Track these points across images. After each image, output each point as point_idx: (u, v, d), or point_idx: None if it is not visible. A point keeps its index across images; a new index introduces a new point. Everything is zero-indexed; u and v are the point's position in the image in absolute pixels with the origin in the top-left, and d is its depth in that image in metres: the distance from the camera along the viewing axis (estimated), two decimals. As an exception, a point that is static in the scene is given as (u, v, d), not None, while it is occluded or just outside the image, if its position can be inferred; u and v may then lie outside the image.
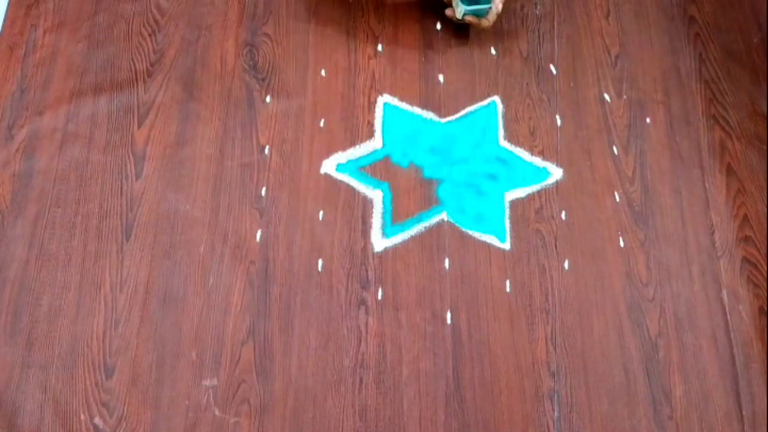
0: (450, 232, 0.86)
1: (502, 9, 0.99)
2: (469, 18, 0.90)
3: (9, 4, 0.98)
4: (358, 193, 0.88)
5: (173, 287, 0.82)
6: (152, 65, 0.94)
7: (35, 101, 0.91)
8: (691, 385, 0.80)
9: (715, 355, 0.82)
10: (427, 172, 0.90)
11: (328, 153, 0.90)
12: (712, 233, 0.89)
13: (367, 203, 0.87)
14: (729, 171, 0.92)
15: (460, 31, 0.98)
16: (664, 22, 1.02)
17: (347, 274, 0.83)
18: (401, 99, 0.94)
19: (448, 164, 0.90)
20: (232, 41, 0.96)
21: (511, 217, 0.88)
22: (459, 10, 0.89)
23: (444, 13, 0.94)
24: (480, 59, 0.97)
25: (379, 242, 0.85)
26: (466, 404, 0.78)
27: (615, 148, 0.93)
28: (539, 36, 0.99)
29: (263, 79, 0.94)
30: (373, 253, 0.85)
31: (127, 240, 0.84)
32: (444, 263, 0.85)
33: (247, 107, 0.92)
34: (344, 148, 0.90)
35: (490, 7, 0.88)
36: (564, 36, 1.00)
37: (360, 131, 0.91)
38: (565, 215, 0.88)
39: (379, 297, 0.82)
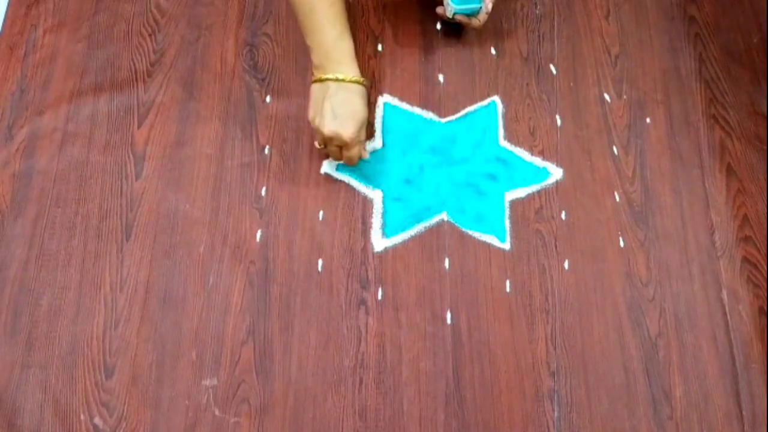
0: (450, 232, 0.86)
1: (501, 9, 0.99)
2: (459, 17, 0.90)
3: (9, 4, 0.98)
4: (358, 193, 0.88)
5: (173, 287, 0.82)
6: (152, 65, 0.94)
7: (35, 101, 0.91)
8: (691, 385, 0.80)
9: (715, 355, 0.82)
10: (427, 172, 0.90)
11: (328, 153, 0.90)
12: (712, 233, 0.89)
13: (367, 203, 0.87)
14: (729, 171, 0.92)
15: (460, 31, 0.98)
16: (664, 22, 1.02)
17: (347, 274, 0.83)
18: (401, 99, 0.94)
19: (448, 164, 0.90)
20: (232, 41, 0.96)
21: (511, 217, 0.88)
22: (449, 9, 0.89)
23: (437, 11, 0.94)
24: (480, 59, 0.97)
25: (379, 242, 0.85)
26: (466, 404, 0.78)
27: (615, 148, 0.93)
28: (539, 36, 0.99)
29: (263, 79, 0.94)
30: (373, 253, 0.85)
31: (127, 240, 0.84)
32: (444, 263, 0.85)
33: (247, 107, 0.92)
34: (344, 148, 0.90)
35: (481, 7, 0.88)
36: (564, 36, 1.00)
37: (360, 131, 0.91)
38: (565, 215, 0.88)
39: (379, 297, 0.82)
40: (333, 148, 0.81)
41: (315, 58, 0.79)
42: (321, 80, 0.78)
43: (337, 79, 0.78)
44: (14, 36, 0.96)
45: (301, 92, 0.93)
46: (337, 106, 0.77)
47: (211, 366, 0.78)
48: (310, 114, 0.80)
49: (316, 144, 0.83)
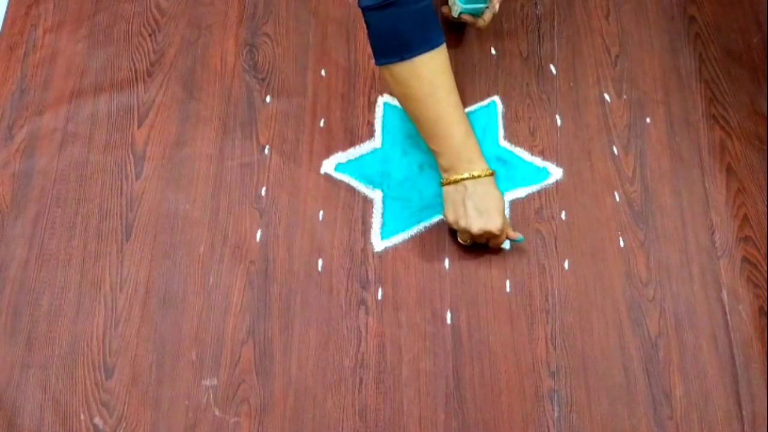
0: (450, 231, 0.86)
1: (502, 9, 0.99)
2: (465, 17, 0.90)
3: (9, 4, 0.98)
4: (358, 193, 0.88)
5: (173, 287, 0.82)
6: (152, 65, 0.94)
7: (35, 101, 0.91)
8: (691, 385, 0.80)
9: (715, 355, 0.82)
10: (427, 172, 0.90)
11: (328, 153, 0.90)
12: (712, 233, 0.89)
13: (367, 203, 0.87)
14: (729, 171, 0.92)
15: (459, 30, 0.98)
16: (664, 22, 1.02)
17: (347, 274, 0.83)
18: (401, 99, 0.93)
19: (448, 164, 0.90)
20: (232, 41, 0.96)
21: (511, 217, 0.88)
22: (455, 9, 0.89)
23: (442, 11, 0.94)
24: (480, 59, 0.97)
25: (379, 242, 0.85)
26: (466, 404, 0.78)
27: (615, 148, 0.93)
28: (539, 36, 0.99)
29: (263, 79, 0.94)
30: (373, 253, 0.85)
31: (127, 240, 0.84)
32: (444, 263, 0.85)
33: (247, 107, 0.92)
34: (344, 148, 0.90)
35: (487, 7, 0.88)
36: (564, 36, 1.00)
37: (360, 131, 0.91)
38: (565, 215, 0.88)
39: (379, 297, 0.82)
40: (480, 240, 0.81)
41: (445, 162, 0.79)
42: (456, 182, 0.78)
43: (472, 177, 0.77)
44: (14, 36, 0.96)
45: (301, 92, 0.93)
46: (479, 203, 0.77)
47: (211, 366, 0.78)
48: (451, 217, 0.80)
49: (461, 241, 0.83)
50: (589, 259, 0.86)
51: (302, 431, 0.76)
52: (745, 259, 0.87)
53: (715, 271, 0.86)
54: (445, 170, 0.79)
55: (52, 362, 0.78)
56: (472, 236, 0.80)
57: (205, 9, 0.98)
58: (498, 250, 0.85)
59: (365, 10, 0.73)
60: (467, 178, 0.77)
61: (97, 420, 0.75)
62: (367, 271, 0.84)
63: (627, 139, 0.93)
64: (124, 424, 0.75)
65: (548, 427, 0.77)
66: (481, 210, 0.77)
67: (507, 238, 0.82)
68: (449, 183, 0.79)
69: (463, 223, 0.78)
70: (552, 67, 0.97)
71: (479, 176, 0.77)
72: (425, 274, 0.84)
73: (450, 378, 0.79)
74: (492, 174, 0.79)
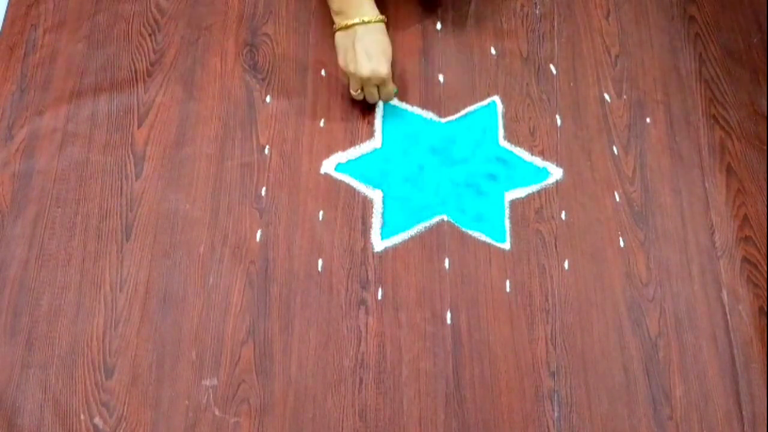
0: (450, 232, 0.86)
1: (502, 9, 0.99)
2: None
3: (9, 4, 0.98)
4: (358, 193, 0.88)
5: (173, 287, 0.82)
6: (152, 65, 0.94)
7: (35, 101, 0.91)
8: (691, 385, 0.80)
9: (715, 355, 0.82)
10: (427, 172, 0.90)
11: (328, 153, 0.90)
12: (712, 233, 0.89)
13: (367, 203, 0.87)
14: (729, 171, 0.92)
15: (460, 30, 0.98)
16: (664, 22, 1.02)
17: (347, 274, 0.83)
18: (401, 99, 0.94)
19: (448, 164, 0.90)
20: (232, 41, 0.96)
21: (511, 217, 0.88)
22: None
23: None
24: (480, 59, 0.97)
25: (379, 242, 0.85)
26: (466, 404, 0.78)
27: (615, 148, 0.93)
28: (539, 36, 0.99)
29: (263, 79, 0.94)
30: (373, 253, 0.85)
31: (127, 240, 0.84)
32: (444, 263, 0.85)
33: (247, 107, 0.92)
34: (344, 148, 0.90)
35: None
36: (564, 36, 1.00)
37: (360, 131, 0.91)
38: (565, 215, 0.88)
39: (379, 297, 0.82)
40: (370, 89, 0.86)
41: (335, 5, 0.84)
42: (347, 27, 0.82)
43: (363, 22, 0.82)
44: (14, 36, 0.96)
45: (301, 92, 0.93)
46: (368, 47, 0.81)
47: (211, 366, 0.78)
48: (342, 62, 0.84)
49: (353, 92, 0.87)
50: (589, 259, 0.86)
51: (302, 431, 0.76)
52: (745, 259, 0.87)
53: (715, 271, 0.86)
54: (337, 14, 0.84)
55: (52, 362, 0.78)
56: (362, 83, 0.84)
57: (205, 9, 0.98)
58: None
59: None
60: (358, 24, 0.81)
61: (97, 420, 0.75)
62: (367, 271, 0.84)
63: (627, 139, 0.93)
64: (124, 424, 0.75)
65: (548, 427, 0.77)
66: (371, 54, 0.81)
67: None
68: (340, 29, 0.83)
69: (352, 68, 0.82)
70: (552, 67, 0.97)
71: (369, 22, 0.82)
72: (425, 274, 0.84)
73: (450, 378, 0.79)
74: (383, 21, 0.83)
